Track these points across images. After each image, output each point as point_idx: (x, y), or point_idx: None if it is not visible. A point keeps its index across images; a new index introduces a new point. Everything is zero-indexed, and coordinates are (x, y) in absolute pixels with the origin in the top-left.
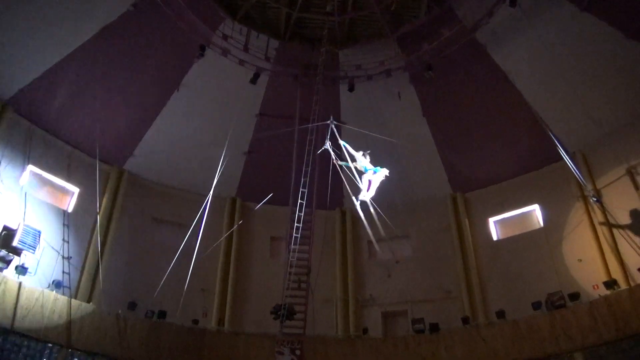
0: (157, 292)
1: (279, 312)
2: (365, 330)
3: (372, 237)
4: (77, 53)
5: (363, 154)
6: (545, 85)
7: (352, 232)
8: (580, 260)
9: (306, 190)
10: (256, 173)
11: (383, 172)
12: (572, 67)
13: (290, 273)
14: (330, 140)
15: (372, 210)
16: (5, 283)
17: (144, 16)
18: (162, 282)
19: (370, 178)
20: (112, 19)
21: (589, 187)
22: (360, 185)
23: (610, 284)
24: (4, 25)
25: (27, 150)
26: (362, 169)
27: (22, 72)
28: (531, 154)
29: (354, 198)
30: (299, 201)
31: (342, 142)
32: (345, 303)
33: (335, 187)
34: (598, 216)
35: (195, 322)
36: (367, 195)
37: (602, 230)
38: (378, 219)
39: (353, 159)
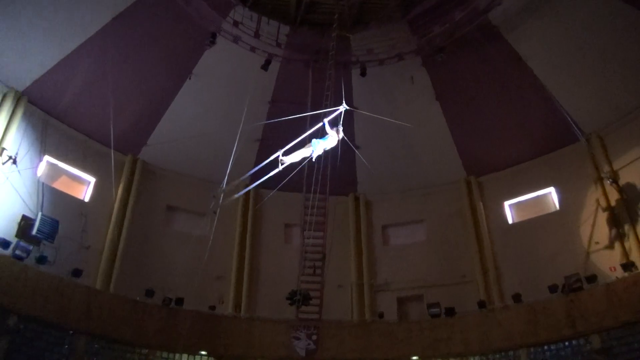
0: (174, 279)
1: (294, 298)
2: (380, 315)
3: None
4: (90, 43)
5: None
6: (559, 66)
7: (366, 217)
8: (597, 243)
9: (320, 176)
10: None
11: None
12: (587, 46)
13: (305, 259)
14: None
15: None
16: (26, 272)
17: (154, 5)
18: (178, 270)
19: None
20: (123, 8)
21: (606, 168)
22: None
23: (628, 266)
24: (18, 18)
25: (43, 141)
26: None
27: (36, 64)
28: (546, 136)
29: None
30: (313, 187)
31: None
32: (360, 288)
33: (348, 172)
34: (615, 198)
35: (212, 308)
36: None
37: (620, 212)
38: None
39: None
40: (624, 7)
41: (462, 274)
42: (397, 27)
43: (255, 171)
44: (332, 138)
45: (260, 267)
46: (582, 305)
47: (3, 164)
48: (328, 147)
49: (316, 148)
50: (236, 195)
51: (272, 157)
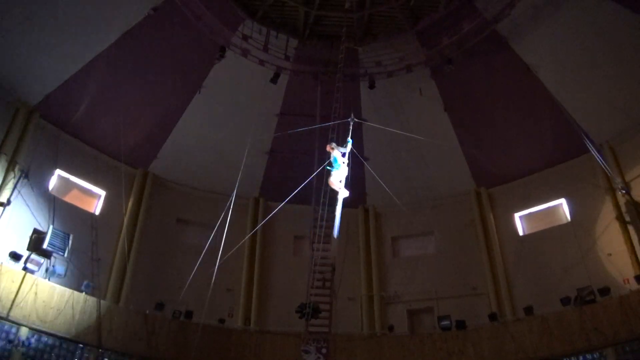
0: (184, 292)
1: (304, 311)
2: (390, 328)
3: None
4: (101, 58)
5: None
6: (569, 76)
7: (375, 230)
8: (610, 255)
9: (329, 189)
10: (278, 172)
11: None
12: (596, 56)
13: (314, 271)
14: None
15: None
16: (37, 285)
17: (164, 19)
18: (188, 283)
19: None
20: (133, 23)
21: (618, 179)
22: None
23: None
24: (28, 32)
25: (54, 155)
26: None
27: (48, 79)
28: (556, 147)
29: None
30: (322, 199)
31: (349, 140)
32: (370, 300)
33: (357, 184)
34: (627, 209)
35: (222, 321)
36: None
37: (632, 223)
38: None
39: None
40: (633, 17)
41: (472, 286)
42: (406, 39)
43: (266, 182)
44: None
45: (269, 279)
46: (595, 318)
47: (15, 178)
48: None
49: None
50: None
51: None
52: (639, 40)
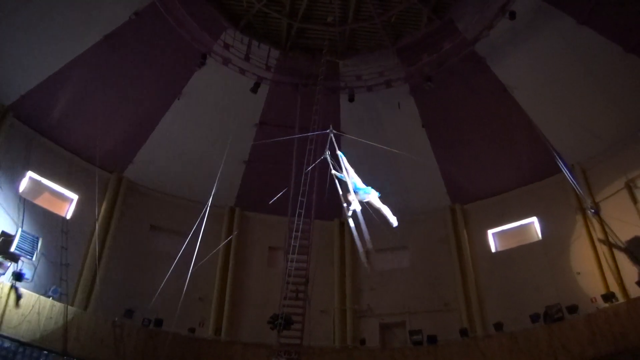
0: (154, 300)
1: (276, 322)
2: (362, 341)
3: (361, 248)
4: (79, 60)
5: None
6: (544, 98)
7: (351, 243)
8: (578, 273)
9: (305, 200)
10: (255, 182)
11: (374, 195)
12: (571, 80)
13: (288, 283)
14: (329, 150)
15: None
16: (2, 289)
17: (145, 25)
18: (159, 290)
19: (361, 198)
20: (114, 27)
21: (588, 200)
22: (350, 196)
23: (609, 297)
24: (6, 31)
25: (27, 156)
26: (352, 186)
27: (23, 78)
28: (530, 166)
29: (345, 206)
30: (298, 211)
31: (339, 153)
32: (343, 313)
33: (334, 197)
34: (597, 229)
35: (192, 330)
36: (355, 204)
37: (601, 244)
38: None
39: (346, 172)
40: (607, 43)
41: (445, 302)
42: (386, 54)
43: (243, 192)
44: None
45: (242, 289)
46: (563, 336)
47: None
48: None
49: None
50: None
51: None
52: (613, 65)
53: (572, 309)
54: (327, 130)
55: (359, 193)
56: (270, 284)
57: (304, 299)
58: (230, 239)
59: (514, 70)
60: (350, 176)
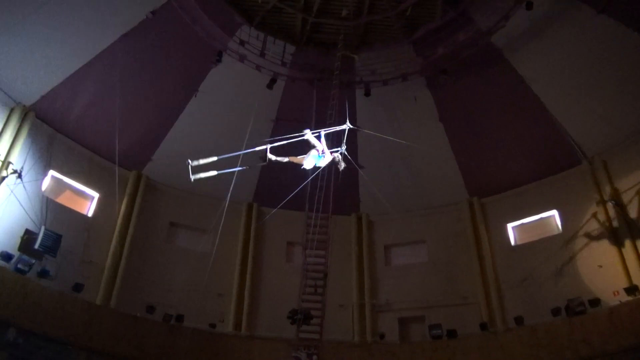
0: (175, 296)
1: (295, 317)
2: (382, 336)
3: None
4: (97, 60)
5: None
6: (562, 89)
7: (368, 238)
8: (600, 266)
9: (322, 195)
10: (273, 178)
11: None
12: (590, 70)
13: (306, 277)
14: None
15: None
16: (27, 286)
17: (162, 23)
18: (179, 286)
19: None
20: (131, 26)
21: (609, 191)
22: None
23: (631, 290)
24: (26, 32)
25: (49, 156)
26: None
27: (44, 79)
28: (549, 158)
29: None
30: (315, 205)
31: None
32: (362, 308)
33: (351, 192)
34: (618, 221)
35: (212, 326)
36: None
37: (622, 236)
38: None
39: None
40: (626, 31)
41: (464, 296)
42: (402, 48)
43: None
44: (326, 159)
45: (261, 285)
46: (585, 329)
47: (8, 177)
48: (318, 164)
49: (310, 161)
50: None
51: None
52: (632, 54)
53: (594, 303)
54: (344, 126)
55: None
56: (289, 279)
57: (322, 293)
58: (249, 235)
59: (531, 62)
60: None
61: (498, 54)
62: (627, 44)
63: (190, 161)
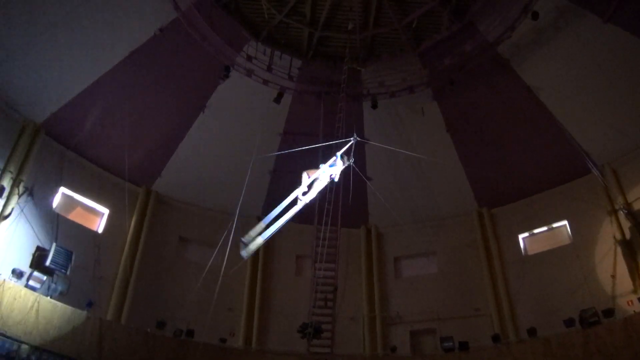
0: (185, 311)
1: (306, 331)
2: (393, 349)
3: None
4: (107, 77)
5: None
6: (570, 98)
7: (378, 250)
8: (613, 276)
9: (331, 208)
10: (281, 191)
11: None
12: (598, 78)
13: (316, 291)
14: (353, 157)
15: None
16: (39, 302)
17: (170, 40)
18: (189, 301)
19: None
20: (140, 43)
21: (620, 200)
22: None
23: None
24: (37, 51)
25: (59, 172)
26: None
27: (54, 97)
28: (559, 168)
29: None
30: (324, 219)
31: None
32: (372, 321)
33: (360, 204)
34: (630, 230)
35: (223, 340)
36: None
37: (635, 245)
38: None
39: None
40: (633, 39)
41: (475, 307)
42: (408, 59)
43: (269, 201)
44: (338, 167)
45: (271, 299)
46: (599, 340)
47: (19, 195)
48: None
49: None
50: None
51: (289, 199)
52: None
53: (608, 313)
54: (351, 138)
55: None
56: (299, 293)
57: (333, 307)
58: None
59: (538, 71)
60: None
61: (505, 64)
62: (635, 52)
63: (243, 240)
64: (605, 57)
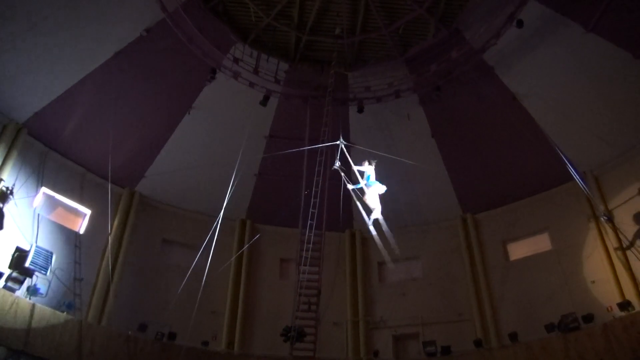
0: (167, 313)
1: (289, 334)
2: (376, 353)
3: (385, 257)
4: (91, 77)
5: (369, 162)
6: (554, 106)
7: (362, 254)
8: (593, 282)
9: (316, 212)
10: (266, 194)
11: (378, 187)
12: (581, 87)
13: (300, 295)
14: (339, 161)
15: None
16: (17, 304)
17: (156, 41)
18: (172, 304)
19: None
20: (125, 43)
21: (601, 207)
22: (370, 205)
23: (625, 305)
24: (20, 49)
25: (40, 172)
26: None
27: (37, 96)
28: (542, 175)
29: (366, 218)
30: (309, 222)
31: (355, 168)
32: (356, 325)
33: (345, 208)
34: (610, 237)
35: (205, 344)
36: (377, 212)
37: (615, 251)
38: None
39: (362, 175)
40: (616, 49)
41: (458, 312)
42: (395, 65)
43: (254, 204)
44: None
45: (255, 302)
46: (580, 346)
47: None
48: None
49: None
50: None
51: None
52: (622, 72)
53: (588, 318)
54: (337, 142)
55: (370, 186)
56: (283, 296)
57: (316, 311)
58: (242, 252)
59: (522, 79)
60: (367, 172)
61: (490, 71)
62: (617, 61)
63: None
64: (588, 65)
